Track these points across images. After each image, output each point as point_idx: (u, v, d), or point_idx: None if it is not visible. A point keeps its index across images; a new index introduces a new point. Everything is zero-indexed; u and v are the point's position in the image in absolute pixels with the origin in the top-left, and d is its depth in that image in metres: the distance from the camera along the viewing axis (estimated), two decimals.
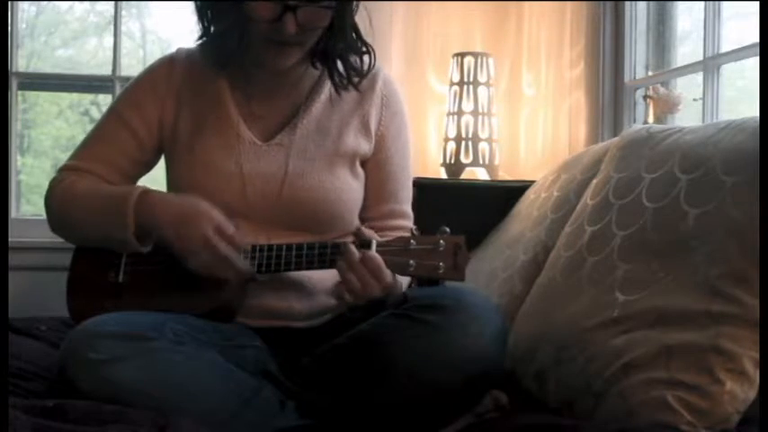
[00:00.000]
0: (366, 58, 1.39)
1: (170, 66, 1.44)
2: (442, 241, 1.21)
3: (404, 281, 1.35)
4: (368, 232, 1.26)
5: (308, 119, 1.40)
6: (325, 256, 1.25)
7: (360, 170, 1.44)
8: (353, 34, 1.36)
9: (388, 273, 1.21)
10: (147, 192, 1.31)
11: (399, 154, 1.48)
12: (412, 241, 1.22)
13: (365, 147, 1.43)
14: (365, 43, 1.38)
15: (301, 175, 1.37)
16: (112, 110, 1.46)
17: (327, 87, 1.42)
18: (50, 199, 1.42)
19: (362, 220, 1.46)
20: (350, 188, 1.41)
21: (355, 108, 1.43)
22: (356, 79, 1.39)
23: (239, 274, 1.26)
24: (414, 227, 1.44)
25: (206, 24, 1.36)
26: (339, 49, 1.34)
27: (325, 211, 1.37)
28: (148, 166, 1.48)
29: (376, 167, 1.46)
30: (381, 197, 1.47)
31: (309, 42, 1.31)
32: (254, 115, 1.41)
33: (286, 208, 1.36)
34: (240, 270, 1.25)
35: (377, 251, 1.22)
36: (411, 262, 1.21)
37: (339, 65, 1.37)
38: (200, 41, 1.39)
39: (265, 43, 1.29)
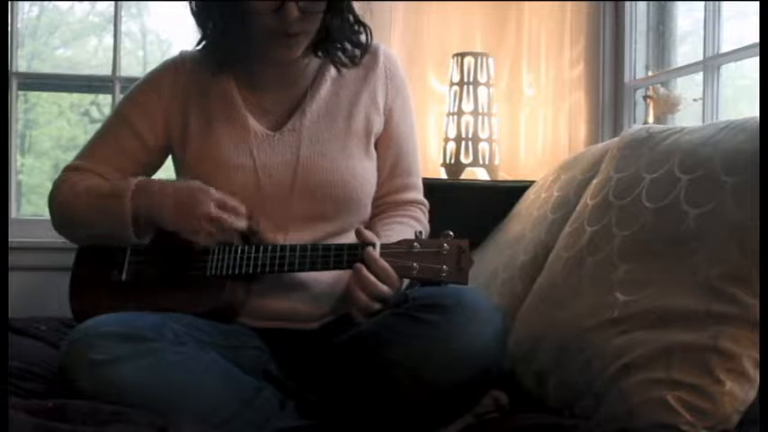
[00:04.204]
0: (362, 37, 1.39)
1: (175, 68, 1.44)
2: (445, 244, 1.20)
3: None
4: (369, 234, 1.25)
5: (316, 103, 1.40)
6: (342, 257, 1.25)
7: (373, 151, 1.44)
8: (350, 14, 1.36)
9: (394, 275, 1.21)
10: (143, 182, 1.33)
11: (407, 126, 1.48)
12: (415, 244, 1.22)
13: (378, 122, 1.43)
14: (361, 23, 1.38)
15: (315, 158, 1.36)
16: (117, 112, 1.47)
17: (331, 70, 1.42)
18: (54, 198, 1.42)
19: (375, 197, 1.45)
20: (364, 169, 1.41)
21: (362, 86, 1.43)
22: (358, 55, 1.39)
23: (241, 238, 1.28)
24: (425, 203, 1.44)
25: (206, 28, 1.35)
26: (337, 26, 1.33)
27: (342, 193, 1.37)
28: (153, 168, 1.47)
29: (385, 141, 1.45)
30: (392, 172, 1.47)
31: (313, 30, 1.31)
32: (263, 108, 1.41)
33: (302, 194, 1.35)
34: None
35: (380, 253, 1.22)
36: (414, 265, 1.21)
37: (339, 43, 1.36)
38: (201, 46, 1.39)
39: (271, 37, 1.29)
